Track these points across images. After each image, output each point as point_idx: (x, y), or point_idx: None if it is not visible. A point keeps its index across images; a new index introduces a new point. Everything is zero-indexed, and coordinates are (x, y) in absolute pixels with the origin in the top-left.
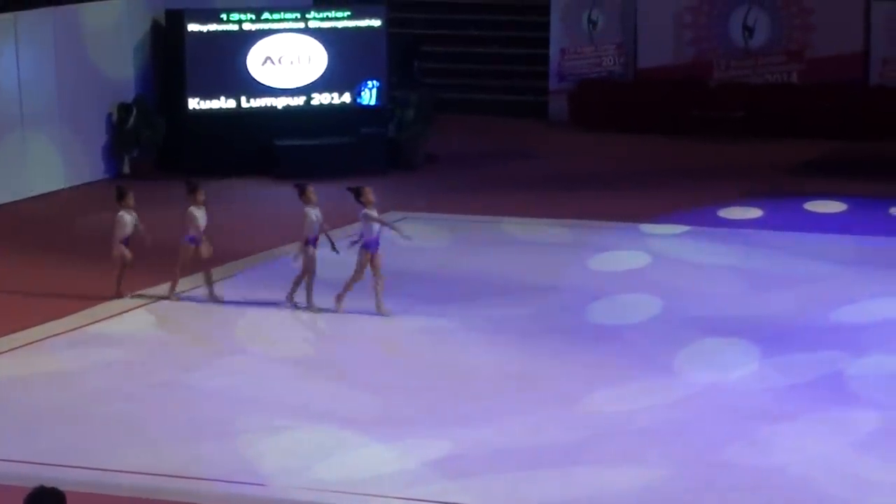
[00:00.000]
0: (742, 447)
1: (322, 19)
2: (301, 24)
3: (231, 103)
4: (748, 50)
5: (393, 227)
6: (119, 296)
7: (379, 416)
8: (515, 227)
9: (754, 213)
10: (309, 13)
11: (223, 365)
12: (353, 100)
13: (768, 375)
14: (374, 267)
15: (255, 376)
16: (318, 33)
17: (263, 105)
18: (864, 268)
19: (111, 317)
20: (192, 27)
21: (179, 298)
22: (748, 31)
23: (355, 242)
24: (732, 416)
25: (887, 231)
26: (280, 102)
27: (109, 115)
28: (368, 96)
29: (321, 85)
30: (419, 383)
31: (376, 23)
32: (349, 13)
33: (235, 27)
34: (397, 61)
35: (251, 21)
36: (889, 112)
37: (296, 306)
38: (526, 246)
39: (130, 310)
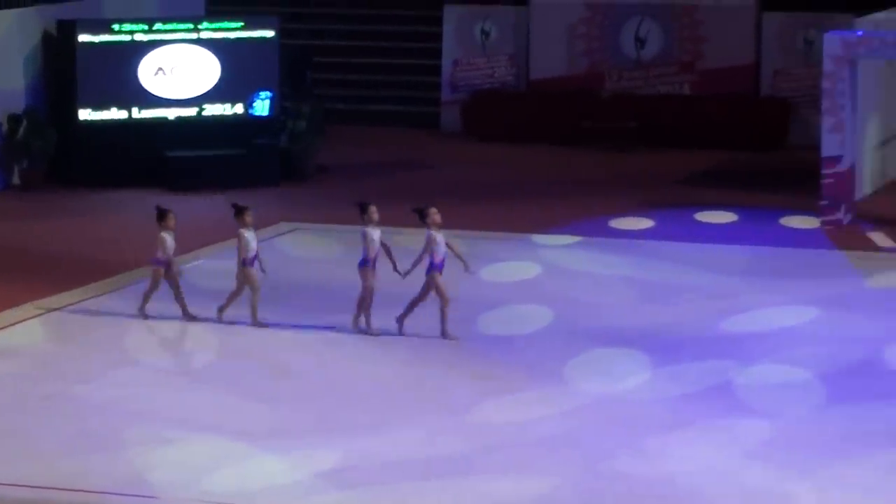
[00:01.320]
0: (632, 457)
1: (215, 30)
2: (194, 35)
3: (123, 114)
4: (640, 61)
5: (460, 256)
6: (143, 314)
7: (269, 428)
8: (407, 238)
9: (646, 223)
10: (201, 24)
11: (114, 377)
12: (246, 111)
13: (659, 385)
14: (438, 289)
15: (146, 388)
16: (210, 44)
17: (155, 116)
18: (754, 278)
19: (2, 329)
20: (84, 38)
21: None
22: (640, 42)
23: (416, 265)
24: (623, 426)
25: (777, 241)
26: (172, 113)
27: None
28: (261, 107)
29: (213, 96)
30: (310, 394)
31: (269, 34)
32: (242, 24)
33: (127, 38)
34: (289, 72)
35: (143, 32)
36: (780, 123)
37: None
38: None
39: (22, 321)
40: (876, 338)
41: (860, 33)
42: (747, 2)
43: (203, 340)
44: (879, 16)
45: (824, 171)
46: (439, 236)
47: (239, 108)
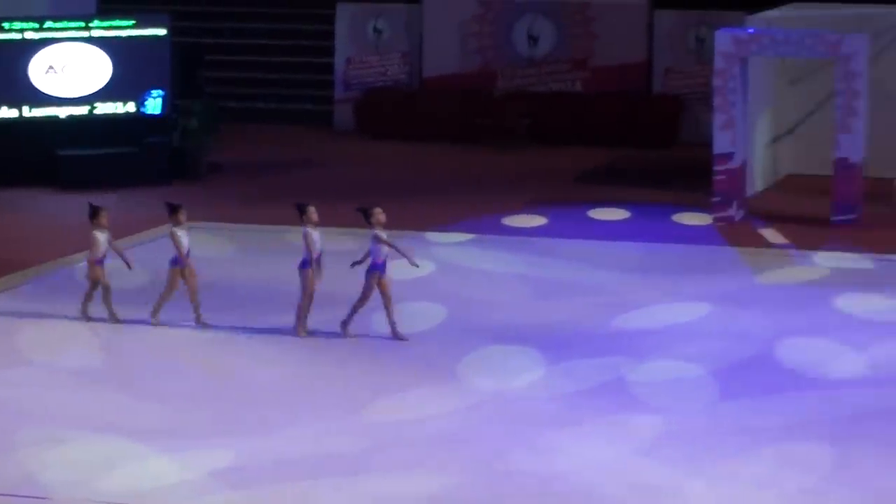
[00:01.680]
0: (527, 454)
1: (106, 28)
2: (85, 33)
3: (13, 112)
4: (533, 59)
5: (403, 252)
6: (86, 317)
7: (163, 427)
8: (299, 237)
9: (539, 220)
10: (92, 22)
11: (5, 377)
12: (138, 109)
13: (554, 382)
14: (382, 289)
15: (39, 388)
16: (101, 42)
17: (46, 114)
18: (647, 274)
19: None
20: None
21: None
22: (533, 39)
23: (358, 263)
24: (518, 423)
25: (669, 238)
26: (63, 111)
27: None
28: (153, 105)
29: (105, 94)
30: (203, 393)
31: (161, 32)
32: (133, 22)
33: (18, 36)
34: (181, 70)
35: (34, 30)
36: (671, 120)
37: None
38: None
39: None
40: (767, 333)
41: (751, 31)
42: (639, 0)
43: (97, 340)
44: (771, 13)
45: (716, 168)
46: (384, 236)
47: (131, 107)
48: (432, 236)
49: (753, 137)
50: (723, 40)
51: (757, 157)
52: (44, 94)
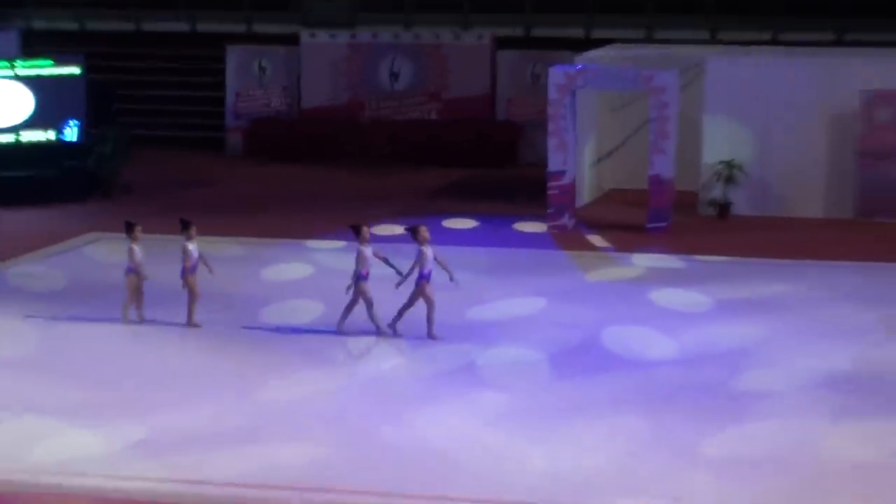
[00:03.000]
0: (394, 427)
1: (28, 67)
2: (10, 72)
3: None
4: (394, 92)
5: (445, 267)
6: (136, 319)
7: (83, 407)
8: (198, 245)
9: (400, 229)
10: (16, 62)
11: None
12: (57, 137)
13: (416, 366)
14: (427, 295)
15: None
16: (25, 80)
17: None
18: (492, 274)
19: None
20: None
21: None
22: (394, 76)
23: (401, 282)
24: (386, 400)
25: (511, 244)
26: None
27: None
28: (70, 133)
29: (28, 124)
30: (117, 378)
31: (76, 70)
32: (52, 62)
33: None
34: (95, 103)
35: None
36: (511, 143)
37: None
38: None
39: None
40: (595, 322)
41: (579, 67)
42: (484, 42)
43: (21, 333)
44: (595, 53)
45: (550, 184)
46: (429, 250)
47: (51, 135)
48: (311, 243)
49: (582, 157)
50: (556, 75)
51: (585, 174)
52: None
